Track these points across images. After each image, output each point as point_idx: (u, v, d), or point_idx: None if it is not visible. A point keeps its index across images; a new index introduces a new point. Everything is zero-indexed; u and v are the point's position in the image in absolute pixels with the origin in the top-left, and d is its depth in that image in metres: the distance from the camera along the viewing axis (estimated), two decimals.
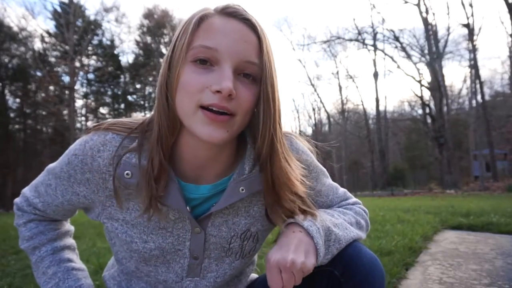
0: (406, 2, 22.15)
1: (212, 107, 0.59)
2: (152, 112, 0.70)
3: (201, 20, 0.62)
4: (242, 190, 0.70)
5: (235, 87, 0.60)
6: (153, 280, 0.78)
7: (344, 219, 0.79)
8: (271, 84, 0.63)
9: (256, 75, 0.63)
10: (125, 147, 0.67)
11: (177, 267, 0.75)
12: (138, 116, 0.74)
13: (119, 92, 30.97)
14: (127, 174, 0.66)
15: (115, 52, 29.55)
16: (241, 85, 0.62)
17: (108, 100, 31.04)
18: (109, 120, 0.72)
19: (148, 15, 30.06)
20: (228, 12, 0.63)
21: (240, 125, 0.64)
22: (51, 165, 0.76)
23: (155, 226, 0.71)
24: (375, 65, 27.30)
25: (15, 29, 23.76)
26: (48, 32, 25.36)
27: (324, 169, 0.86)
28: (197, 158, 0.69)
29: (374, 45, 26.49)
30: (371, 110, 44.14)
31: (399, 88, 55.15)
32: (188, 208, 0.70)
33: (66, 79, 23.90)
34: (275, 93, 0.64)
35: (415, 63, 23.52)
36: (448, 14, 28.36)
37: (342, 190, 0.90)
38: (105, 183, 0.68)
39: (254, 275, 0.98)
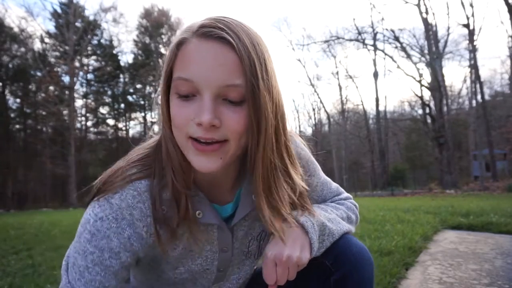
0: (406, 2, 22.14)
1: (200, 139, 0.58)
2: (155, 137, 0.72)
3: (178, 47, 0.60)
4: (254, 197, 0.69)
5: (219, 114, 0.57)
6: None
7: (336, 214, 0.82)
8: (258, 104, 0.58)
9: (243, 96, 0.58)
10: (157, 185, 0.64)
11: (204, 281, 0.78)
12: (133, 153, 0.70)
13: (119, 92, 30.98)
14: (163, 209, 0.64)
15: (114, 52, 29.58)
16: (227, 110, 0.58)
17: (107, 100, 31.06)
18: (113, 172, 0.66)
19: (146, 15, 30.06)
20: (203, 33, 0.58)
21: (236, 149, 0.61)
22: (63, 265, 0.65)
23: (186, 252, 0.72)
24: (375, 65, 27.31)
25: (16, 29, 23.80)
26: (48, 33, 25.39)
27: (318, 165, 0.89)
28: (209, 178, 0.69)
29: (374, 45, 26.49)
30: (371, 110, 44.10)
31: (399, 88, 55.26)
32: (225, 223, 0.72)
33: (66, 79, 23.90)
34: (262, 113, 0.59)
35: (415, 63, 23.50)
36: (448, 14, 28.34)
37: (335, 185, 0.93)
38: (149, 230, 0.64)
39: None
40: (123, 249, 0.61)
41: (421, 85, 23.08)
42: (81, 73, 26.44)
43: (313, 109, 35.83)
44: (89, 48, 27.55)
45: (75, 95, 25.22)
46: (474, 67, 20.37)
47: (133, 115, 32.67)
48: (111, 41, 29.18)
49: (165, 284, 0.77)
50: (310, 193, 0.84)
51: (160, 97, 0.63)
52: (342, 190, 0.94)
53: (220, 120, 0.57)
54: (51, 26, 33.12)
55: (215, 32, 0.57)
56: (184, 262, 0.73)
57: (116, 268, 0.61)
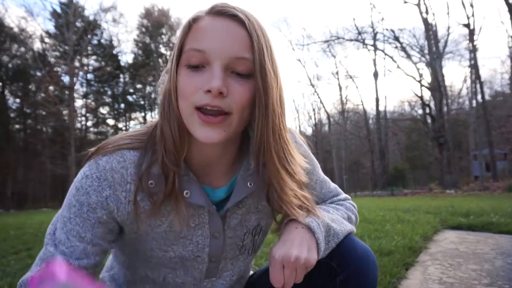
0: (405, 2, 22.14)
1: (206, 106, 0.60)
2: (155, 120, 0.73)
3: (191, 24, 0.63)
4: (250, 184, 0.72)
5: (227, 84, 0.60)
6: (160, 284, 0.79)
7: (338, 215, 0.82)
8: (265, 78, 0.62)
9: (250, 70, 0.62)
10: (145, 157, 0.67)
11: (195, 272, 0.77)
12: (136, 127, 0.73)
13: (119, 92, 30.97)
14: (151, 183, 0.66)
15: (114, 52, 29.58)
16: (234, 82, 0.61)
17: (108, 100, 31.04)
18: (109, 140, 0.70)
19: (146, 14, 30.06)
20: (216, 11, 0.63)
21: (239, 123, 0.64)
22: (53, 219, 0.70)
23: (175, 236, 0.72)
24: (375, 65, 27.32)
25: (16, 29, 23.80)
26: (47, 33, 25.38)
27: (317, 162, 0.89)
28: (204, 157, 0.70)
29: (374, 45, 26.49)
30: (371, 110, 44.07)
31: (399, 88, 55.23)
32: (213, 206, 0.71)
33: (66, 79, 23.89)
34: (269, 88, 0.62)
35: (415, 63, 23.51)
36: (448, 14, 28.37)
37: (333, 185, 0.93)
38: (128, 197, 0.66)
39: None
40: (99, 206, 0.65)
41: (421, 85, 23.10)
42: (81, 73, 26.43)
43: (313, 109, 35.83)
44: (89, 48, 27.56)
45: (75, 95, 25.24)
46: (474, 67, 20.38)
47: (133, 115, 32.70)
48: (111, 41, 29.19)
49: (156, 265, 0.75)
50: (309, 191, 0.83)
51: (172, 68, 0.64)
52: (341, 190, 0.94)
53: (228, 90, 0.60)
54: (51, 26, 33.09)
55: (227, 10, 0.62)
56: (175, 248, 0.73)
57: (92, 222, 0.66)
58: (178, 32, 0.66)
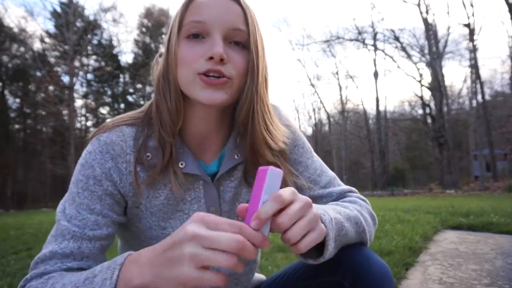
0: (405, 2, 22.15)
1: (209, 72, 0.64)
2: (144, 106, 0.77)
3: (189, 1, 0.68)
4: (237, 156, 0.75)
5: (227, 53, 0.65)
6: None
7: (361, 215, 0.74)
8: (257, 49, 0.68)
9: (245, 41, 0.68)
10: (142, 132, 0.72)
11: None
12: (122, 115, 0.77)
13: (119, 92, 30.96)
14: (147, 156, 0.70)
15: (114, 52, 29.57)
16: (232, 51, 0.67)
17: (108, 100, 31.03)
18: (108, 120, 0.74)
19: (147, 14, 30.06)
20: None
21: (238, 88, 0.68)
22: (63, 199, 0.72)
23: (173, 210, 0.74)
24: (375, 65, 27.31)
25: (15, 29, 23.79)
26: (47, 32, 25.37)
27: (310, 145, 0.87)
28: (198, 131, 0.74)
29: (374, 45, 26.49)
30: (371, 110, 44.25)
31: (399, 88, 55.09)
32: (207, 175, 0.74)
33: (66, 79, 23.86)
34: (260, 58, 0.69)
35: (415, 63, 23.53)
36: (448, 13, 28.39)
37: (332, 172, 0.86)
38: (128, 167, 0.70)
39: (259, 275, 0.97)
40: (104, 178, 0.69)
41: (421, 85, 23.12)
42: (81, 73, 26.38)
43: (313, 109, 35.85)
44: (89, 48, 27.52)
45: (75, 95, 25.21)
46: (474, 67, 20.37)
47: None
48: (111, 41, 29.18)
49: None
50: (302, 172, 0.81)
51: (173, 38, 0.68)
52: (340, 181, 0.86)
53: (227, 58, 0.65)
54: (51, 26, 33.11)
55: None
56: (173, 223, 0.74)
57: (99, 193, 0.69)
58: (175, 12, 0.71)
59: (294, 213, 0.51)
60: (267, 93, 0.73)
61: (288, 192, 0.52)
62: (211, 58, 0.64)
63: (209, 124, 0.73)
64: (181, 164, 0.71)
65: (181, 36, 0.68)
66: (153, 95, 0.74)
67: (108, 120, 0.75)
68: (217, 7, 0.66)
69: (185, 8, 0.68)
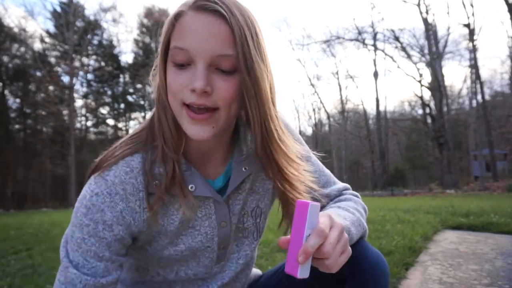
0: (405, 2, 22.14)
1: (192, 105, 0.62)
2: (147, 119, 0.74)
3: (175, 19, 0.64)
4: (245, 169, 0.74)
5: (212, 81, 0.61)
6: (169, 281, 0.80)
7: (359, 214, 0.78)
8: (251, 71, 0.62)
9: (235, 65, 0.62)
10: (148, 160, 0.68)
11: (207, 261, 0.78)
12: (135, 127, 0.75)
13: (119, 92, 30.96)
14: (155, 183, 0.67)
15: (114, 52, 29.57)
16: (218, 79, 0.62)
17: (108, 100, 31.03)
18: (108, 151, 0.70)
19: (147, 14, 30.07)
20: (198, 6, 0.62)
21: (227, 118, 0.65)
22: (62, 241, 0.68)
23: (184, 227, 0.73)
24: (375, 65, 27.31)
25: (15, 29, 23.79)
26: (48, 32, 25.37)
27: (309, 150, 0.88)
28: (201, 149, 0.72)
29: (374, 45, 26.48)
30: (371, 110, 44.20)
31: (399, 88, 55.05)
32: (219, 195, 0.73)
33: (66, 79, 23.88)
34: (258, 78, 0.63)
35: (415, 63, 23.52)
36: (448, 13, 28.38)
37: (327, 170, 0.90)
38: (142, 204, 0.67)
39: (256, 270, 0.99)
40: (115, 222, 0.65)
41: (421, 85, 23.12)
42: (81, 73, 26.41)
43: (313, 109, 35.84)
44: (89, 48, 27.53)
45: (75, 95, 25.25)
46: (474, 67, 20.37)
47: (133, 115, 32.62)
48: (111, 41, 29.19)
49: (168, 262, 0.76)
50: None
51: (158, 65, 0.66)
52: (336, 179, 0.91)
53: (212, 87, 0.61)
54: (51, 26, 33.08)
55: (209, 5, 0.61)
56: (184, 240, 0.74)
57: (109, 240, 0.65)
58: (163, 27, 0.66)
59: (334, 241, 0.57)
60: (275, 110, 0.69)
61: (327, 223, 0.58)
62: (194, 90, 0.60)
63: (209, 142, 0.71)
64: (191, 188, 0.69)
65: (169, 59, 0.64)
66: (153, 96, 0.73)
67: (107, 151, 0.70)
68: (201, 31, 0.60)
69: (171, 28, 0.64)
